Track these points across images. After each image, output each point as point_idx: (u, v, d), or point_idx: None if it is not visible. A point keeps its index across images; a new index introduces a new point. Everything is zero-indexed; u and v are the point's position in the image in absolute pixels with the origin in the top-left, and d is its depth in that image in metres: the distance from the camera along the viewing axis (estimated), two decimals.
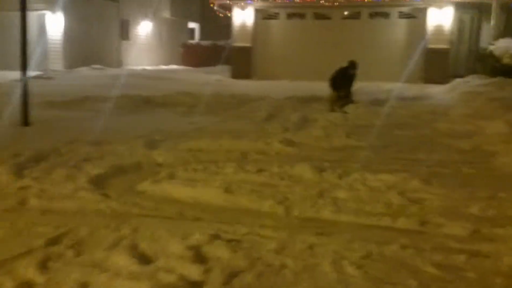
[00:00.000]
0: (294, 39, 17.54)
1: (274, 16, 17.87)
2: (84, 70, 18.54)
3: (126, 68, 20.67)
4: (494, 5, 15.44)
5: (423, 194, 4.04)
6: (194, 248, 2.86)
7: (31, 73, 8.51)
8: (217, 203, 3.87)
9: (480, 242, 3.09)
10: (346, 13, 17.21)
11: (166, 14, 26.69)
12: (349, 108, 9.18)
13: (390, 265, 2.74)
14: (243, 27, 17.81)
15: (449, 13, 15.92)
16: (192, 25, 29.93)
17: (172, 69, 22.60)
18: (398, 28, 16.70)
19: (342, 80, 9.41)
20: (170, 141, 6.10)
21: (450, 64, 16.11)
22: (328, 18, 17.34)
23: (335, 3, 16.57)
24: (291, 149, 5.82)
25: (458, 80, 14.09)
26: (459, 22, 16.86)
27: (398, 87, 12.75)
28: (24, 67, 7.30)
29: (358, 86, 10.08)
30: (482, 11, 16.42)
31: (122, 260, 2.70)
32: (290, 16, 17.79)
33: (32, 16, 16.00)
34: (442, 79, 15.04)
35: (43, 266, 2.67)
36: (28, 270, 2.62)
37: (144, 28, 25.26)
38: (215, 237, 3.03)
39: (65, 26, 19.82)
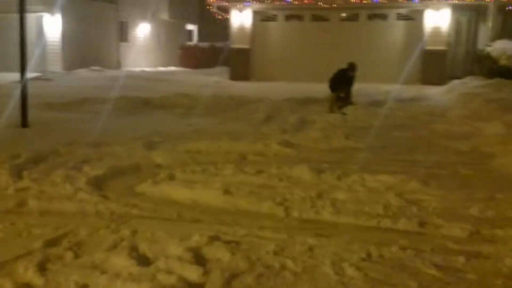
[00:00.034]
0: (292, 41, 17.54)
1: (272, 18, 17.87)
2: (82, 72, 18.53)
3: (125, 70, 20.64)
4: (491, 7, 15.50)
5: (421, 195, 4.05)
6: (194, 249, 2.86)
7: (29, 74, 8.49)
8: (216, 204, 3.88)
9: (479, 243, 3.10)
10: (344, 15, 17.23)
11: (165, 16, 26.66)
12: (348, 109, 9.20)
13: (389, 267, 2.74)
14: (241, 29, 17.82)
15: (447, 15, 15.97)
16: (190, 27, 29.90)
17: (170, 71, 22.59)
18: (396, 30, 16.72)
19: (342, 82, 9.43)
20: (169, 143, 6.11)
21: (448, 65, 16.13)
22: (326, 20, 17.35)
23: (333, 5, 16.58)
24: (289, 150, 5.83)
25: (455, 81, 14.14)
26: (457, 24, 16.89)
27: (396, 89, 12.76)
28: (23, 68, 7.30)
29: (357, 87, 10.10)
30: (479, 13, 16.46)
31: (121, 262, 2.70)
32: (288, 18, 17.79)
33: (30, 18, 15.97)
34: (439, 81, 15.07)
35: (42, 267, 2.67)
36: (27, 272, 2.61)
37: (142, 30, 25.24)
38: (215, 238, 3.03)
39: (63, 28, 19.81)
